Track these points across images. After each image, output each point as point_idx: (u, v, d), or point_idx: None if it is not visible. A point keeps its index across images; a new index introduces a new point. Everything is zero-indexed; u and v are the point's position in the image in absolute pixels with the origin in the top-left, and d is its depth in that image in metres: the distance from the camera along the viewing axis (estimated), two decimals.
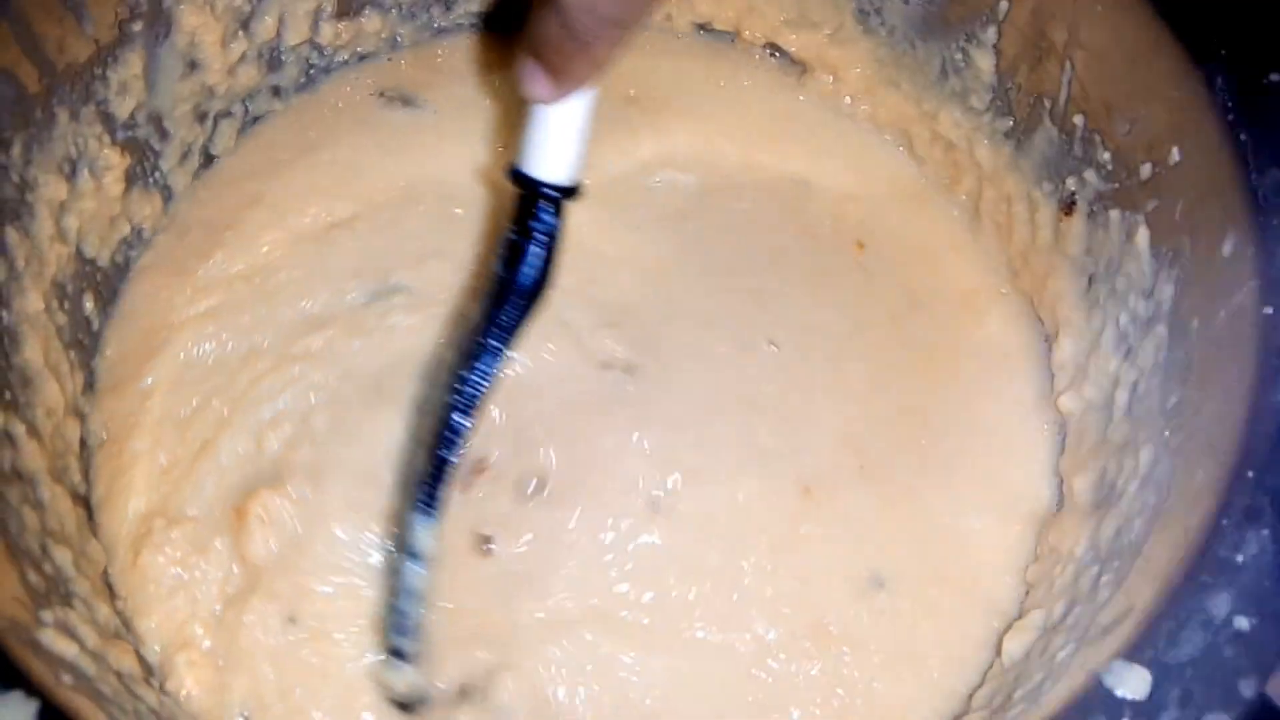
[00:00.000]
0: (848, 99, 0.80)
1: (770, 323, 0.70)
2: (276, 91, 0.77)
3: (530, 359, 0.67)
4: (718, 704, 0.58)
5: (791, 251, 0.74)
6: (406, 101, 0.79)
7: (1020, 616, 0.60)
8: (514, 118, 0.77)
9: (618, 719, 0.57)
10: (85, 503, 0.61)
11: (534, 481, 0.64)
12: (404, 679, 0.56)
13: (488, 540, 0.62)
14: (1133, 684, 0.41)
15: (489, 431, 0.64)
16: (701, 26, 0.83)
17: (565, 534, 0.62)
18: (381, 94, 0.79)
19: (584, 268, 0.71)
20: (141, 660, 0.55)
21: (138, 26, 0.66)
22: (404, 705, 0.57)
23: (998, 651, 0.59)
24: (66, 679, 0.45)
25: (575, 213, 0.72)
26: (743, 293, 0.72)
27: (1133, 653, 0.42)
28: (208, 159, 0.74)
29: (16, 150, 0.60)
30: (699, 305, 0.71)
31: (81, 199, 0.65)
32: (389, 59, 0.80)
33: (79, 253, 0.66)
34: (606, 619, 0.60)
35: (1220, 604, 0.42)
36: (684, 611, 0.60)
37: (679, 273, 0.72)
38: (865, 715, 0.58)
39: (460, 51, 0.82)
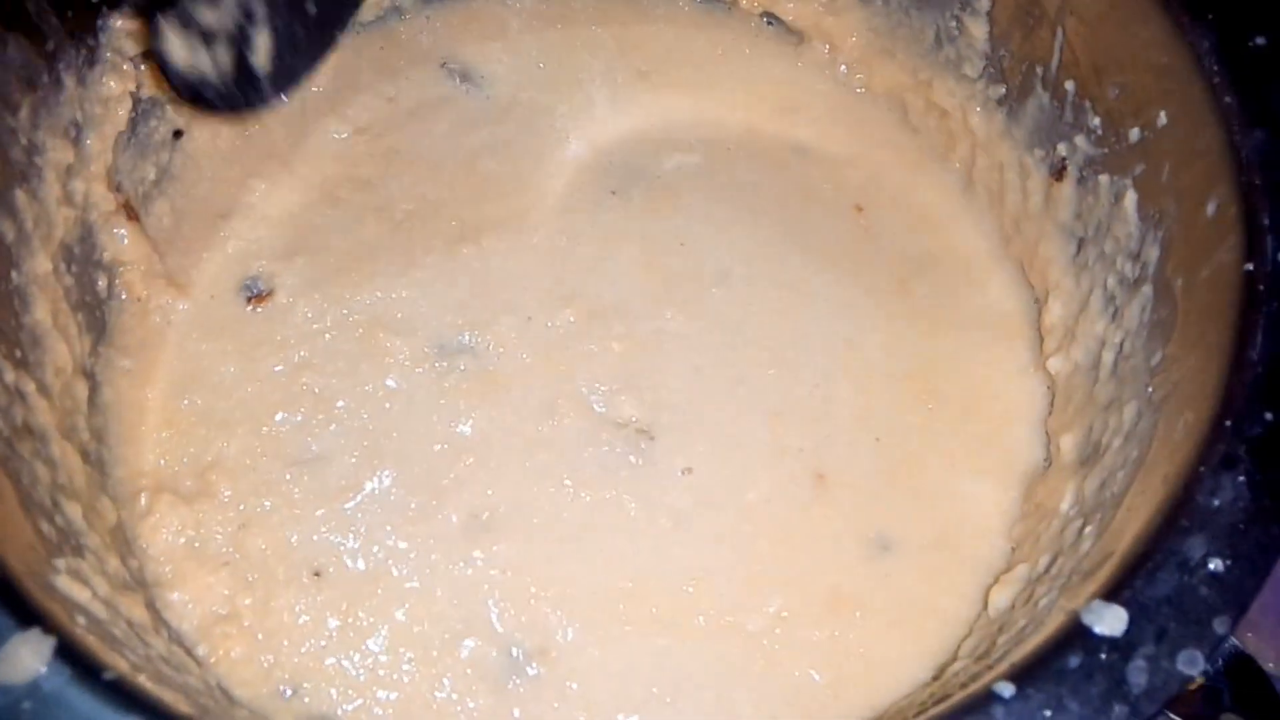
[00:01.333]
0: (843, 68, 0.81)
1: (783, 293, 0.72)
2: None
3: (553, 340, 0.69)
4: (724, 676, 0.60)
5: (795, 216, 0.75)
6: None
7: (1008, 570, 0.61)
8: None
9: (621, 697, 0.59)
10: (93, 460, 0.63)
11: None
12: (183, 50, 0.56)
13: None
14: (1110, 621, 0.43)
15: None
16: None
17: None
18: None
19: (593, 249, 0.72)
20: (152, 610, 0.57)
21: None
22: (198, 96, 0.57)
23: (985, 604, 0.61)
24: (81, 620, 0.46)
25: (591, 196, 0.74)
26: (754, 262, 0.73)
27: (1110, 593, 0.44)
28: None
29: (24, 114, 0.61)
30: (713, 278, 0.72)
31: (88, 163, 0.66)
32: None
33: (86, 216, 0.67)
34: (613, 613, 0.61)
35: (1196, 546, 0.44)
36: (694, 602, 0.62)
37: (688, 248, 0.74)
38: (864, 674, 0.60)
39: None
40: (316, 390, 0.66)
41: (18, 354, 0.59)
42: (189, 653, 0.58)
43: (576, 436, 0.66)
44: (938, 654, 0.60)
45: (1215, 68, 0.56)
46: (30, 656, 0.42)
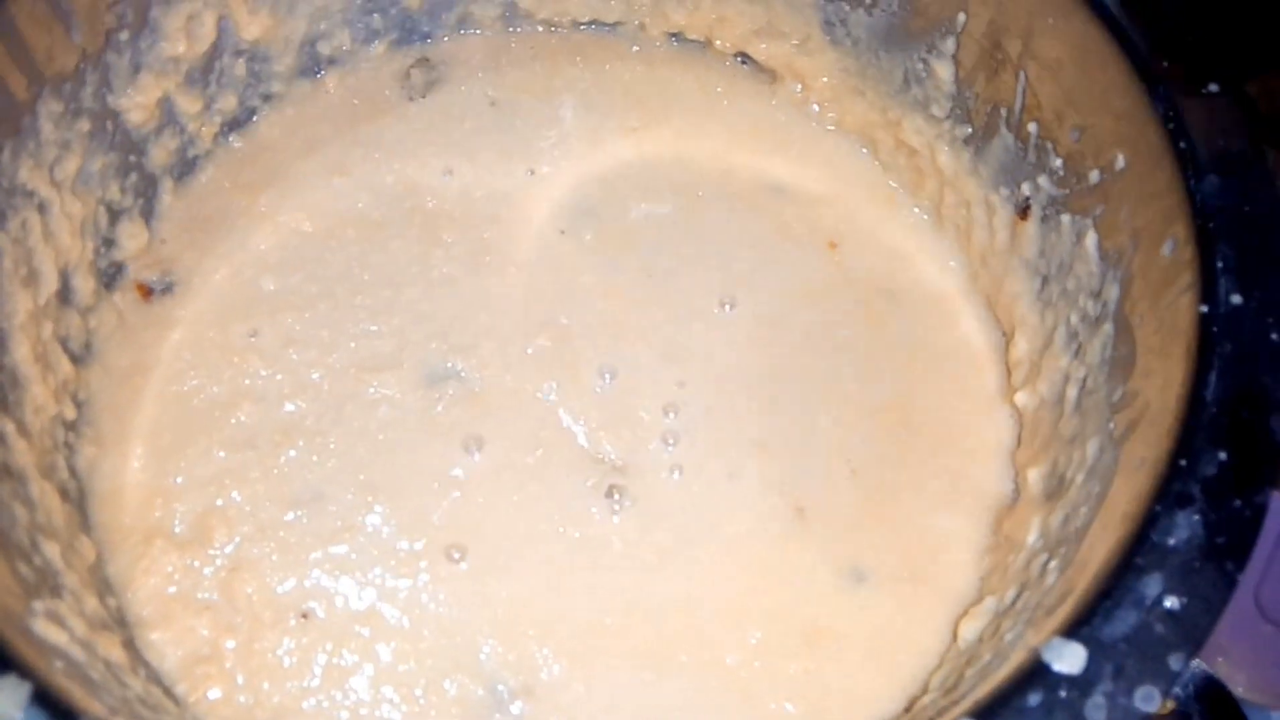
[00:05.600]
0: (815, 106, 0.83)
1: (761, 327, 0.73)
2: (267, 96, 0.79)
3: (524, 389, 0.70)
4: (702, 710, 0.61)
5: (770, 252, 0.77)
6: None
7: (977, 603, 0.63)
8: None
9: None
10: (73, 499, 0.63)
11: None
12: None
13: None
14: (1069, 659, 0.44)
15: None
16: (674, 35, 0.85)
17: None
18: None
19: (562, 291, 0.73)
20: (130, 650, 0.57)
21: (124, 36, 0.68)
22: None
23: (955, 636, 0.62)
24: (58, 664, 0.47)
25: (563, 229, 0.75)
26: (732, 296, 0.74)
27: (1070, 630, 0.45)
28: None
29: (6, 156, 0.62)
30: (690, 313, 0.74)
31: (70, 205, 0.67)
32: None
33: (70, 259, 0.67)
34: (597, 649, 0.62)
35: (1152, 585, 0.45)
36: (676, 637, 0.63)
37: (665, 291, 0.75)
38: (838, 706, 0.61)
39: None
40: (310, 424, 0.67)
41: None
42: (167, 692, 0.58)
43: (560, 469, 0.67)
44: (909, 686, 0.61)
45: (1171, 113, 0.58)
46: (6, 703, 0.42)
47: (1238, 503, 0.47)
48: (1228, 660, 0.75)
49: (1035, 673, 0.44)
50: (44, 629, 0.49)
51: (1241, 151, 0.56)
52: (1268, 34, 0.59)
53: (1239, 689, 0.74)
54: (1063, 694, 0.43)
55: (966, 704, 0.46)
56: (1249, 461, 0.48)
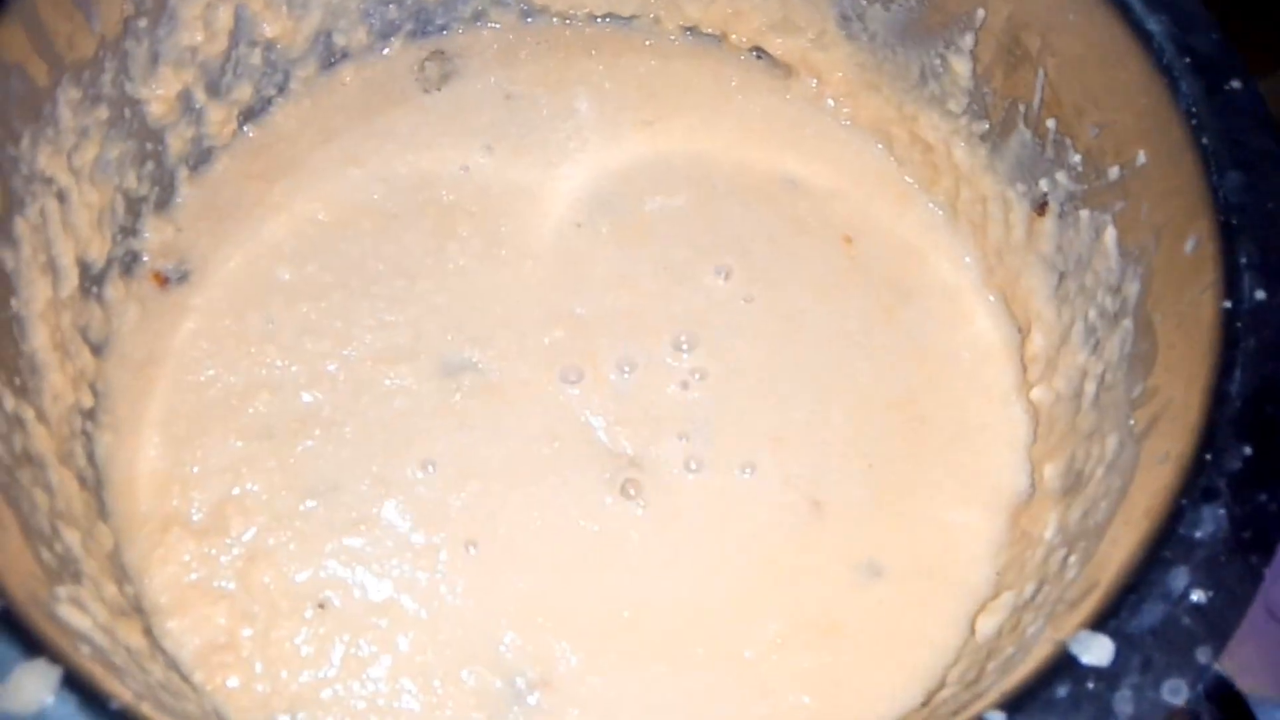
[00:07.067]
0: (830, 101, 0.83)
1: (777, 321, 0.73)
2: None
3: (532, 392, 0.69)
4: (719, 703, 0.61)
5: (785, 247, 0.77)
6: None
7: (994, 597, 0.63)
8: None
9: None
10: (91, 487, 0.63)
11: None
12: None
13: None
14: (1096, 652, 0.44)
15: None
16: (689, 29, 0.85)
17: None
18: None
19: (578, 284, 0.73)
20: (149, 637, 0.57)
21: (143, 24, 0.67)
22: None
23: (972, 631, 0.62)
24: (84, 649, 0.47)
25: (581, 222, 0.75)
26: (748, 290, 0.75)
27: (1097, 623, 0.45)
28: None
29: (25, 143, 0.61)
30: (705, 311, 0.74)
31: (88, 193, 0.67)
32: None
33: (88, 246, 0.67)
34: (615, 642, 0.62)
35: (1179, 578, 0.45)
36: (693, 630, 0.63)
37: (680, 283, 0.75)
38: (855, 699, 0.61)
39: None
40: (326, 414, 0.67)
41: (17, 381, 0.59)
42: (185, 679, 0.58)
43: (577, 462, 0.67)
44: (926, 680, 0.61)
45: (1192, 109, 0.58)
46: (37, 687, 0.42)
47: (1263, 497, 0.47)
48: (1233, 659, 0.75)
49: (1062, 665, 0.44)
50: (68, 614, 0.49)
51: (1264, 148, 0.56)
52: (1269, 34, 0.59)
53: (1246, 686, 0.74)
54: (1090, 686, 0.43)
55: (991, 696, 0.46)
56: (1274, 456, 0.48)
